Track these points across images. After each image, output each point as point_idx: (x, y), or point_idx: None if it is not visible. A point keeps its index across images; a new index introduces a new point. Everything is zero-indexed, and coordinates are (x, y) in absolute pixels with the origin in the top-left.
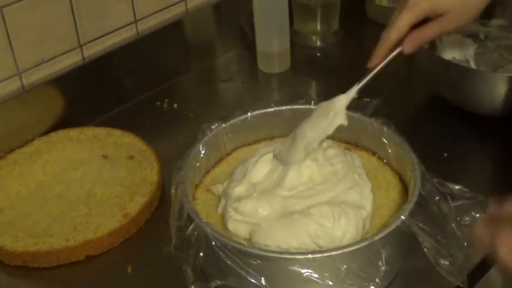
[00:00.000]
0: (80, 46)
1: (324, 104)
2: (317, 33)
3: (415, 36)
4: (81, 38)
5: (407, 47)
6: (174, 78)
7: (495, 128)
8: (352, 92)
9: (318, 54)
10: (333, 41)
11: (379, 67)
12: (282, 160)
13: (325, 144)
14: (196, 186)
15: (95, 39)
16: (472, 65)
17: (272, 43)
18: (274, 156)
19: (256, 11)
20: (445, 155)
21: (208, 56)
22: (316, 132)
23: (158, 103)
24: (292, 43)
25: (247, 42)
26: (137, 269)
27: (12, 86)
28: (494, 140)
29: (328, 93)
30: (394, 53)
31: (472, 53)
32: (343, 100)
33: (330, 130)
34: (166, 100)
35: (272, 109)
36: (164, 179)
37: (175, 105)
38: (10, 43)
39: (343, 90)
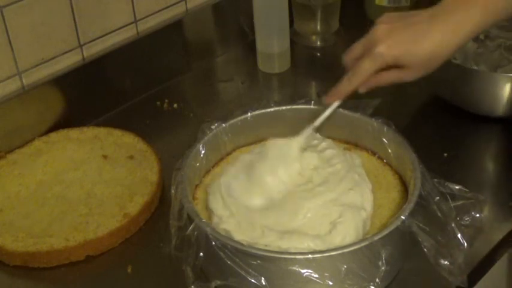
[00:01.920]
0: (80, 46)
1: (279, 144)
2: (317, 33)
3: (374, 80)
4: (81, 38)
5: (363, 89)
6: (174, 78)
7: (495, 128)
8: (306, 133)
9: (318, 54)
10: (333, 41)
11: (334, 106)
12: (236, 198)
13: (324, 144)
14: (196, 186)
15: (95, 39)
16: (472, 65)
17: (272, 43)
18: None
19: (256, 11)
20: (445, 155)
21: (208, 56)
22: (275, 178)
23: (158, 103)
24: (292, 43)
25: (247, 42)
26: (137, 269)
27: (12, 86)
28: (494, 139)
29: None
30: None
31: (472, 53)
32: (297, 143)
33: (287, 177)
34: (166, 100)
35: (272, 109)
36: (164, 179)
37: (175, 105)
38: (10, 43)
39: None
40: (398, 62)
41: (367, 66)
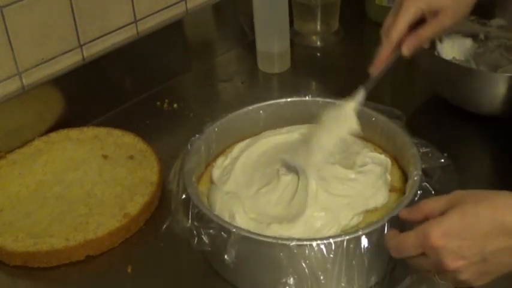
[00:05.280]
0: (80, 46)
1: (333, 109)
2: (317, 33)
3: (413, 38)
4: (81, 38)
5: (407, 49)
6: (174, 78)
7: (495, 128)
8: (359, 96)
9: (318, 54)
10: (333, 41)
11: (381, 70)
12: (295, 167)
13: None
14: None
15: (95, 39)
16: (472, 65)
17: (272, 43)
18: (284, 165)
19: (256, 11)
20: (445, 155)
21: (208, 56)
22: (331, 138)
23: (158, 103)
24: (292, 43)
25: (247, 42)
26: (137, 269)
27: (12, 86)
28: (494, 139)
29: (328, 93)
30: (394, 57)
31: (472, 53)
32: (351, 105)
33: (343, 136)
34: (166, 100)
35: (271, 102)
36: (164, 179)
37: (175, 105)
38: (10, 43)
39: (343, 90)
40: (430, 6)
41: (401, 18)
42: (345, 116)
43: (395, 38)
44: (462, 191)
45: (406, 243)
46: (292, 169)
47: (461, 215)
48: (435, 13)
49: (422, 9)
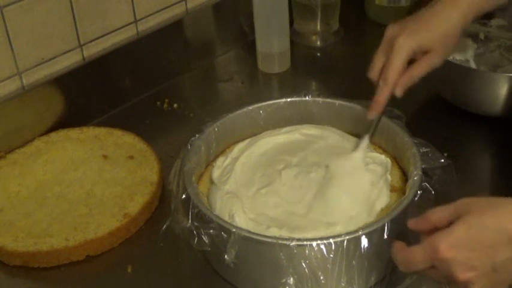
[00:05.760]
0: (80, 46)
1: (341, 160)
2: (317, 33)
3: (406, 78)
4: (81, 38)
5: (400, 90)
6: (174, 78)
7: (495, 128)
8: (363, 146)
9: (318, 54)
10: (333, 41)
11: (380, 116)
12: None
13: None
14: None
15: (95, 39)
16: (472, 65)
17: (272, 43)
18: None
19: (256, 11)
20: (445, 155)
21: (208, 56)
22: (351, 195)
23: (158, 103)
24: (292, 43)
25: (247, 42)
26: (137, 269)
27: (12, 86)
28: (495, 139)
29: (328, 93)
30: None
31: (472, 53)
32: (359, 156)
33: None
34: (166, 100)
35: (271, 102)
36: (164, 179)
37: (175, 105)
38: (10, 43)
39: (343, 90)
40: (421, 46)
41: (395, 63)
42: (354, 168)
43: (393, 80)
44: (468, 199)
45: (415, 258)
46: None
47: (467, 226)
48: (425, 52)
49: (414, 49)
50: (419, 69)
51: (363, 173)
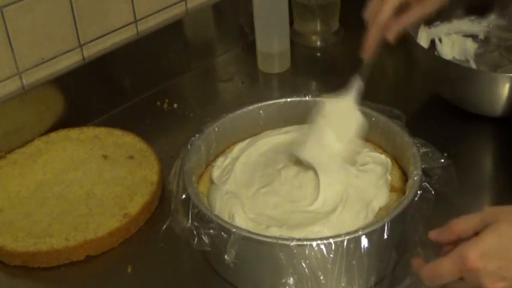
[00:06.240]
0: (80, 46)
1: (334, 104)
2: (317, 33)
3: (397, 24)
4: (81, 38)
5: (392, 35)
6: (174, 78)
7: (495, 128)
8: (357, 85)
9: (318, 54)
10: (333, 41)
11: (372, 55)
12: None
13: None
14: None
15: (95, 39)
16: (472, 65)
17: (272, 43)
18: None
19: (256, 11)
20: (445, 155)
21: (208, 56)
22: (341, 139)
23: (158, 103)
24: (292, 43)
25: (247, 42)
26: (137, 269)
27: (12, 86)
28: (495, 139)
29: (328, 93)
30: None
31: (472, 53)
32: (351, 97)
33: (352, 136)
34: (166, 100)
35: (271, 102)
36: (164, 179)
37: (175, 105)
38: (10, 43)
39: (343, 90)
40: None
41: (386, 6)
42: (347, 110)
43: (382, 21)
44: (494, 208)
45: (442, 270)
46: (299, 163)
47: (498, 234)
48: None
49: None
50: (411, 16)
51: (356, 114)
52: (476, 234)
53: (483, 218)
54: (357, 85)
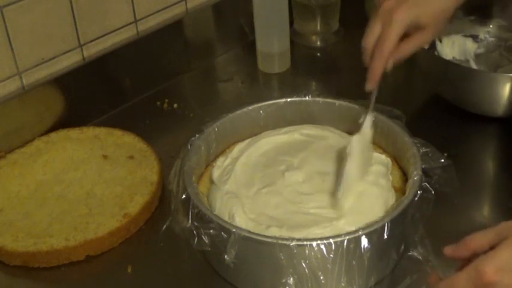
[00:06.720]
0: (80, 46)
1: (355, 143)
2: (317, 33)
3: (398, 52)
4: (81, 38)
5: (391, 64)
6: (174, 78)
7: (495, 128)
8: (369, 123)
9: (318, 54)
10: (333, 41)
11: (376, 92)
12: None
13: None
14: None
15: (95, 39)
16: (472, 65)
17: (272, 43)
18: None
19: (256, 11)
20: (445, 154)
21: (208, 56)
22: (361, 172)
23: (158, 103)
24: (292, 43)
25: (247, 42)
26: (137, 269)
27: (12, 86)
28: (495, 139)
29: (328, 93)
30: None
31: (472, 53)
32: (369, 135)
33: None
34: (166, 100)
35: (271, 102)
36: (164, 179)
37: (175, 105)
38: (10, 43)
39: (344, 90)
40: (418, 20)
41: (393, 35)
42: (368, 148)
43: (388, 52)
44: (509, 222)
45: (459, 285)
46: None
47: None
48: (418, 28)
49: (411, 22)
50: (411, 44)
51: (371, 152)
52: (491, 248)
53: (498, 232)
54: (370, 120)
